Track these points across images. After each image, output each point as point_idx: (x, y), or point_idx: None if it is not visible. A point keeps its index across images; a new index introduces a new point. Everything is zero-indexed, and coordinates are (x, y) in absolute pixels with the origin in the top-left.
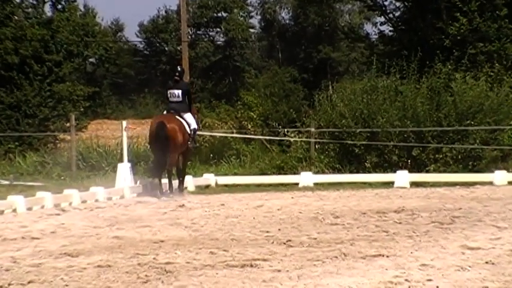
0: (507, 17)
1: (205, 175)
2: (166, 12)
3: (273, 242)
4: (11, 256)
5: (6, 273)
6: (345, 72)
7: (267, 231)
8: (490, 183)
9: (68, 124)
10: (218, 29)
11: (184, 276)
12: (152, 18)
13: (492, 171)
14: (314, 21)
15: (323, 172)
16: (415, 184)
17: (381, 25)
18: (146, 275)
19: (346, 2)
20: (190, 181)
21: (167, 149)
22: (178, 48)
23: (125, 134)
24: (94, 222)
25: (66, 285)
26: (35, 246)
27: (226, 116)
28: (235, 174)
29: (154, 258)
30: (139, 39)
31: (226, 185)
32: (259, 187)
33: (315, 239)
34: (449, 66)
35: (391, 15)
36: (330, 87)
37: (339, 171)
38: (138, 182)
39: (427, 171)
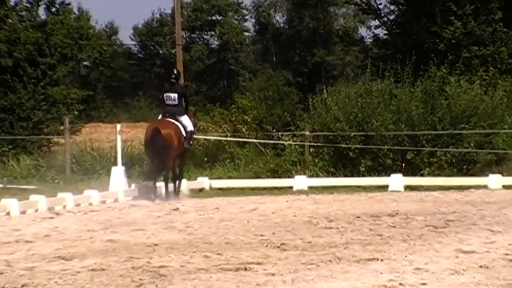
0: (502, 21)
1: (200, 178)
2: (160, 15)
3: (267, 246)
4: (4, 259)
5: None
6: (340, 75)
7: (261, 235)
8: (485, 187)
9: (62, 127)
10: (212, 32)
11: (178, 280)
12: (146, 21)
13: (486, 175)
14: (309, 25)
15: (317, 176)
16: (409, 188)
17: (375, 28)
18: (140, 279)
19: (341, 6)
20: (184, 184)
21: (162, 155)
22: (173, 51)
23: (119, 137)
24: (88, 225)
25: None
26: (28, 250)
27: (221, 120)
28: (230, 177)
29: (148, 262)
30: (134, 43)
31: (220, 189)
32: (254, 190)
33: (309, 242)
34: (444, 70)
35: (385, 19)
36: (325, 91)
37: (333, 175)
38: (133, 186)
39: (422, 175)
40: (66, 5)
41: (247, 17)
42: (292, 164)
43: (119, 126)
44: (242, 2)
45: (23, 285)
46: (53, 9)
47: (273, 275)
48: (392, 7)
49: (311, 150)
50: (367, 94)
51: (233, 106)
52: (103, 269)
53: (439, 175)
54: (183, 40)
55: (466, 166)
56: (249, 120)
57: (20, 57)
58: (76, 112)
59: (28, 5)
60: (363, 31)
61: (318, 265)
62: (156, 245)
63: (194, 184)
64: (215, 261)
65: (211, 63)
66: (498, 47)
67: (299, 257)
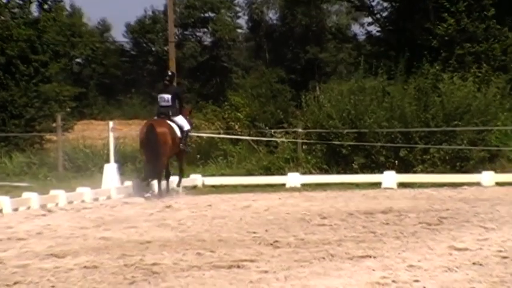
0: (495, 18)
1: (192, 176)
2: (153, 12)
3: (260, 243)
4: None
5: None
6: (333, 72)
7: (254, 232)
8: (478, 184)
9: (54, 125)
10: (205, 30)
11: (171, 277)
12: (139, 18)
13: (480, 172)
14: (301, 22)
15: (310, 173)
16: (402, 185)
17: (368, 25)
18: (133, 276)
19: (334, 3)
20: (176, 182)
21: (157, 152)
22: (165, 48)
23: (111, 134)
24: (80, 223)
25: (53, 286)
26: (21, 247)
27: (214, 117)
28: (223, 175)
29: (141, 259)
30: (126, 40)
31: (213, 186)
32: (247, 188)
33: (302, 239)
34: (437, 67)
35: (378, 16)
36: (317, 88)
37: (326, 172)
38: (130, 183)
39: (415, 172)
40: (58, 2)
41: (240, 14)
42: (285, 161)
43: (111, 123)
44: None
45: (15, 283)
46: (46, 7)
47: (266, 272)
48: (385, 4)
49: (304, 147)
50: (360, 91)
51: (226, 103)
52: (95, 267)
53: (432, 172)
54: (176, 37)
55: (459, 163)
56: (241, 117)
57: (12, 54)
58: (68, 109)
59: (20, 2)
60: (355, 28)
61: (311, 262)
62: (148, 242)
63: (187, 181)
64: (208, 259)
65: (204, 60)
66: (491, 43)
67: (292, 254)
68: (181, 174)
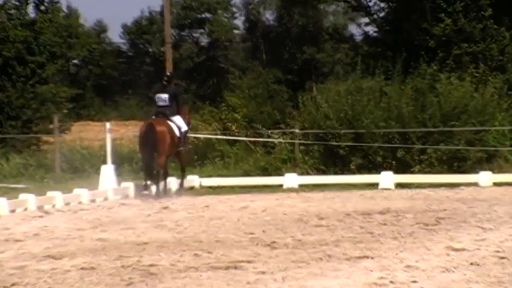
0: (492, 18)
1: (190, 177)
2: (150, 13)
3: (257, 244)
4: None
5: None
6: (330, 73)
7: (252, 233)
8: (475, 184)
9: (51, 126)
10: (202, 30)
11: (168, 279)
12: (136, 19)
13: (477, 172)
14: (298, 22)
15: (307, 173)
16: (399, 185)
17: (365, 26)
18: (130, 278)
19: (331, 3)
20: (174, 183)
21: (156, 151)
22: (162, 49)
23: (108, 135)
24: (77, 224)
25: None
26: (18, 249)
27: (211, 118)
28: (220, 175)
29: (138, 261)
30: (123, 41)
31: (210, 187)
32: (244, 189)
33: (300, 240)
34: (434, 67)
35: (375, 16)
36: (315, 88)
37: (324, 173)
38: (130, 184)
39: (412, 173)
40: (55, 3)
41: (236, 15)
42: (283, 162)
43: (108, 124)
44: (231, 0)
45: (12, 284)
46: (42, 8)
47: (264, 273)
48: (382, 4)
49: (301, 148)
50: (357, 91)
51: (223, 104)
52: (93, 268)
53: (429, 172)
54: (173, 38)
55: (456, 163)
56: (238, 118)
57: (8, 55)
58: (65, 110)
59: (17, 3)
60: (352, 28)
61: (308, 263)
62: (146, 243)
63: (184, 182)
64: (205, 260)
65: (200, 61)
66: (488, 43)
67: (289, 255)
68: (183, 175)
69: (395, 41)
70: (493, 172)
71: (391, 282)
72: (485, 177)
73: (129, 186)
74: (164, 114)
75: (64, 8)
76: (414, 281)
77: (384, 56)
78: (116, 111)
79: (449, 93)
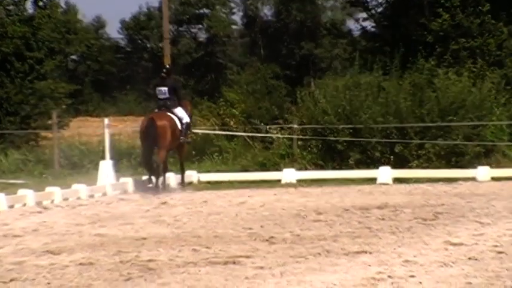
0: (489, 13)
1: (188, 172)
2: (148, 9)
3: (255, 239)
4: None
5: None
6: (328, 68)
7: (250, 228)
8: (473, 179)
9: (49, 122)
10: (200, 26)
11: (167, 274)
12: (134, 15)
13: (475, 167)
14: (296, 18)
15: (306, 169)
16: (398, 180)
17: (363, 21)
18: (128, 273)
19: None
20: (172, 178)
21: (156, 145)
22: (160, 45)
23: (107, 131)
24: (76, 219)
25: (49, 283)
26: (16, 244)
27: (209, 113)
28: (218, 171)
29: (136, 256)
30: (121, 36)
31: (208, 182)
32: (242, 184)
33: (298, 235)
34: (432, 62)
35: (373, 11)
36: (313, 84)
37: (322, 168)
38: (130, 179)
39: (410, 167)
40: None
41: (234, 10)
42: (281, 157)
43: (106, 120)
44: None
45: (11, 280)
46: (40, 4)
47: (262, 268)
48: None
49: (299, 143)
50: (355, 87)
51: (221, 99)
52: (91, 263)
53: (427, 167)
54: (171, 34)
55: (454, 158)
56: (237, 113)
57: (7, 51)
58: (64, 106)
59: None
60: (350, 24)
61: (306, 258)
62: (144, 238)
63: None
64: (204, 255)
65: (198, 56)
66: (486, 38)
67: (288, 250)
68: (183, 170)
69: (393, 36)
70: (491, 167)
71: (389, 276)
72: (483, 172)
73: (128, 181)
74: (166, 106)
75: (62, 4)
76: (412, 276)
77: (382, 51)
78: (114, 106)
79: (447, 88)
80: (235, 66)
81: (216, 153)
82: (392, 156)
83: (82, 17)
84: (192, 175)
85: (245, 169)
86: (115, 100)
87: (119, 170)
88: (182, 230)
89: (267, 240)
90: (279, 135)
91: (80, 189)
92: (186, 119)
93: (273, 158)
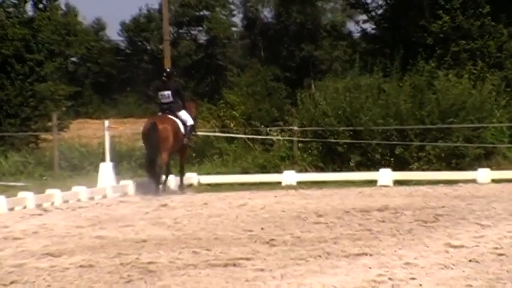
0: (490, 15)
1: (188, 174)
2: (148, 11)
3: (256, 241)
4: None
5: None
6: (328, 70)
7: (250, 230)
8: (474, 181)
9: (49, 124)
10: (200, 28)
11: (167, 276)
12: (134, 17)
13: (475, 169)
14: (296, 20)
15: (306, 171)
16: (398, 182)
17: (363, 23)
18: (129, 275)
19: (329, 0)
20: (172, 180)
21: (158, 148)
22: (160, 47)
23: (107, 133)
24: (76, 222)
25: (49, 286)
26: (17, 247)
27: (209, 115)
28: (218, 173)
29: (136, 258)
30: (121, 38)
31: (209, 184)
32: (242, 186)
33: (298, 238)
34: (432, 64)
35: (373, 13)
36: (313, 86)
37: (322, 170)
38: (130, 182)
39: (410, 170)
40: (53, 1)
41: (234, 12)
42: (281, 159)
43: (106, 122)
44: None
45: (11, 282)
46: (40, 6)
47: (262, 270)
48: (380, 1)
49: (299, 145)
50: (355, 89)
51: (221, 101)
52: (91, 266)
53: (427, 169)
54: (171, 36)
55: (454, 160)
56: (237, 115)
57: (7, 53)
58: (64, 108)
59: (15, 1)
60: (351, 26)
61: (307, 260)
62: (144, 241)
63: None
64: (204, 257)
65: (199, 58)
66: (486, 40)
67: (288, 252)
68: (182, 173)
69: (393, 38)
70: (491, 169)
71: (390, 279)
72: (483, 174)
73: (128, 183)
74: (170, 110)
75: (62, 6)
76: (413, 278)
77: (382, 53)
78: (115, 108)
79: (447, 90)
80: (235, 68)
81: (216, 155)
82: (392, 158)
83: (82, 19)
84: (192, 177)
85: (245, 171)
86: (115, 102)
87: (119, 172)
88: (182, 232)
89: (267, 242)
90: (279, 137)
91: (80, 191)
92: (190, 122)
93: (273, 160)
